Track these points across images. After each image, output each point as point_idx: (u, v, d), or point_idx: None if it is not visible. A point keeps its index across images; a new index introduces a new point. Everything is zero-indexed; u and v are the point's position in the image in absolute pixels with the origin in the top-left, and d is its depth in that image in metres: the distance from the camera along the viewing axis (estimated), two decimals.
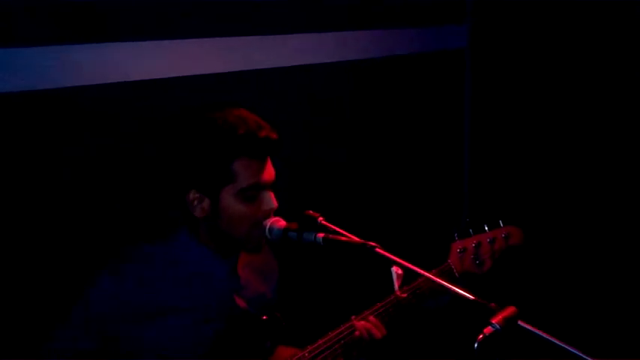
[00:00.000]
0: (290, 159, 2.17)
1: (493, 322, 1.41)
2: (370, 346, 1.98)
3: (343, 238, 1.76)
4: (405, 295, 2.02)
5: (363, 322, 1.99)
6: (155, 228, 2.06)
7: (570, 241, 3.37)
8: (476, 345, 1.38)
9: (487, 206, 3.63)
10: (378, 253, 1.68)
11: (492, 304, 1.47)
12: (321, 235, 1.78)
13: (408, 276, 1.71)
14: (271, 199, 1.91)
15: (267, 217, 1.90)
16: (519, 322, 1.46)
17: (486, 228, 2.21)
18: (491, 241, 2.19)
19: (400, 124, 3.42)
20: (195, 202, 1.89)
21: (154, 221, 2.28)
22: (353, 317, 2.01)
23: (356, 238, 1.74)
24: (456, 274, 2.17)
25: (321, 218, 1.82)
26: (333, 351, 1.96)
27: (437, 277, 1.66)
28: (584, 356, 1.45)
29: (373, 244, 1.70)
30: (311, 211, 1.85)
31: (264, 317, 1.98)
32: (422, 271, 1.64)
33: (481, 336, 1.39)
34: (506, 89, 3.58)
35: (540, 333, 1.47)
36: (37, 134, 2.15)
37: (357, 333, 1.98)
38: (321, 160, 3.04)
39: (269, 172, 1.91)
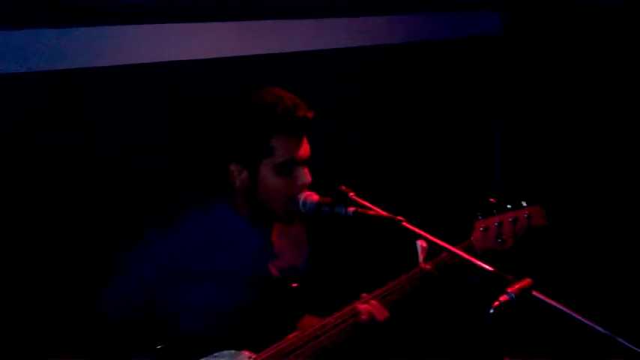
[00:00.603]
0: (324, 137, 2.26)
1: (509, 290, 1.48)
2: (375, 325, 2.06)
3: (372, 212, 1.85)
4: (429, 267, 2.10)
5: (373, 303, 2.08)
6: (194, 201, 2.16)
7: (596, 225, 3.40)
8: (491, 311, 1.45)
9: (515, 188, 3.67)
10: (405, 227, 1.77)
11: (509, 276, 1.54)
12: (351, 209, 1.88)
13: (432, 251, 1.81)
14: (305, 175, 2.02)
15: (302, 191, 2.00)
16: (534, 293, 1.53)
17: (509, 207, 2.23)
18: (513, 221, 2.21)
19: (433, 105, 3.49)
20: (236, 174, 2.01)
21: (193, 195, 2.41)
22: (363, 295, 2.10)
23: (384, 213, 1.84)
24: (478, 250, 2.21)
25: (352, 193, 1.91)
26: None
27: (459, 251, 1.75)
28: (601, 329, 1.52)
29: (400, 218, 1.79)
30: (343, 187, 1.94)
31: (294, 285, 2.10)
32: (445, 244, 1.73)
33: (497, 302, 1.46)
34: (541, 75, 3.61)
35: (554, 304, 1.55)
36: (66, 112, 2.29)
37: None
38: (354, 138, 3.13)
39: (305, 149, 2.02)
